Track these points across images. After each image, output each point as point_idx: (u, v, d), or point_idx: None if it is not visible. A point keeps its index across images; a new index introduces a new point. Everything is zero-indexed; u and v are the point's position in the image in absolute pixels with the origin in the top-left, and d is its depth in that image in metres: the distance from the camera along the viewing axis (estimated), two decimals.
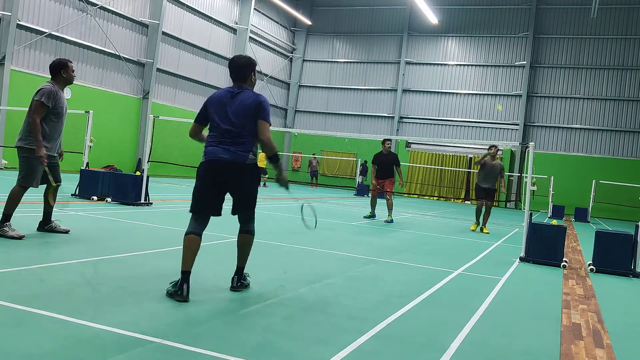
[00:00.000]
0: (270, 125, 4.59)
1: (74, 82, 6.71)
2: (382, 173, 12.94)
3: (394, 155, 13.14)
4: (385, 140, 13.03)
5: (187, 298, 4.19)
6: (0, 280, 4.31)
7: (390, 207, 12.88)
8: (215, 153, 4.45)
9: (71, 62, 6.63)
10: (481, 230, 12.34)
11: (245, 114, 4.47)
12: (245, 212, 4.70)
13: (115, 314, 3.70)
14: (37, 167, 6.28)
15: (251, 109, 4.48)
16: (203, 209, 4.50)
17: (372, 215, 13.32)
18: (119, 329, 3.36)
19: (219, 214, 4.56)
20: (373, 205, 13.39)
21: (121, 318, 3.60)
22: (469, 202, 28.06)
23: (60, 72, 6.43)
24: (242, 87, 4.58)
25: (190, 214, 4.52)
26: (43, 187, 6.63)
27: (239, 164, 4.44)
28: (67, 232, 6.73)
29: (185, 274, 4.27)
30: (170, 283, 4.37)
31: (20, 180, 6.26)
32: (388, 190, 12.89)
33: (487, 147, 12.68)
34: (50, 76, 6.50)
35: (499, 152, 12.27)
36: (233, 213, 4.68)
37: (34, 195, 6.72)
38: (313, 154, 31.97)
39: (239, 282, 4.72)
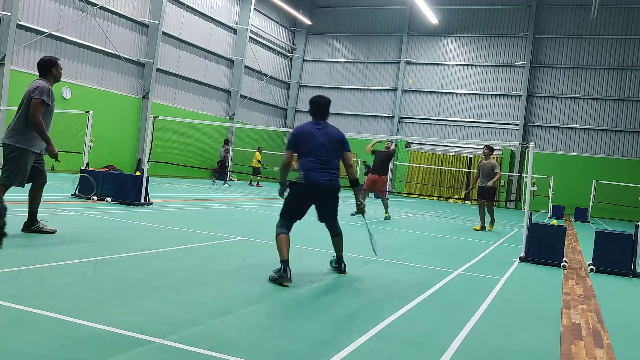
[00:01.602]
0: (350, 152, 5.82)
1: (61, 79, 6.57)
2: (376, 168, 13.56)
3: (390, 153, 13.76)
4: (387, 141, 14.00)
5: (291, 279, 5.10)
6: (0, 280, 4.31)
7: (385, 205, 13.45)
8: (315, 178, 5.51)
9: (59, 60, 6.51)
10: (480, 228, 12.77)
11: (335, 145, 5.62)
12: (330, 220, 5.85)
13: (115, 314, 3.70)
14: (24, 166, 6.14)
15: (339, 142, 5.67)
16: (293, 219, 5.62)
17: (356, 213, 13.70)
18: (119, 329, 3.36)
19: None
20: (385, 204, 13.74)
21: (121, 318, 3.60)
22: (468, 202, 28.04)
23: (51, 70, 6.31)
24: (326, 122, 5.72)
25: (279, 216, 5.57)
26: (28, 185, 6.45)
27: (334, 188, 5.64)
28: (54, 232, 6.52)
29: (285, 262, 5.18)
30: (273, 271, 5.22)
31: (4, 179, 6.08)
32: (382, 190, 13.54)
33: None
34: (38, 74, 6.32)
35: (487, 151, 12.79)
36: (321, 221, 5.88)
37: (23, 195, 6.69)
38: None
39: (345, 266, 5.97)
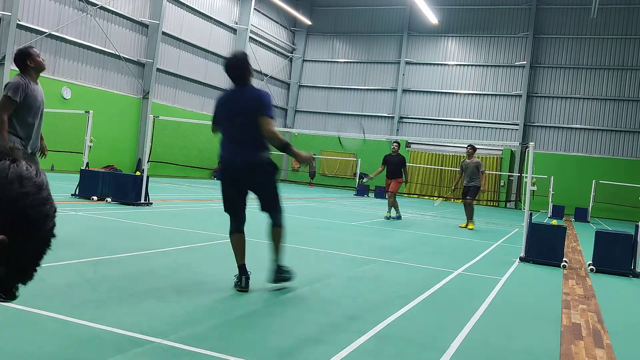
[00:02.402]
0: (272, 119, 4.58)
1: (45, 68, 6.02)
2: (390, 173, 13.71)
3: (402, 158, 13.87)
4: (393, 142, 14.06)
5: (247, 289, 4.52)
6: None
7: (390, 205, 13.56)
8: (226, 158, 4.65)
9: (33, 48, 5.93)
10: (465, 226, 12.93)
11: (248, 111, 4.53)
12: (270, 208, 4.79)
13: (115, 314, 3.70)
14: None
15: (254, 107, 4.54)
16: (230, 209, 4.77)
17: (398, 216, 13.61)
18: (119, 329, 3.36)
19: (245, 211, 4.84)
20: (390, 204, 13.64)
21: (121, 318, 3.60)
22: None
23: (26, 62, 5.77)
24: (243, 86, 4.65)
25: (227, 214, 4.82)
26: None
27: (249, 167, 4.59)
28: None
29: (242, 267, 4.59)
30: (234, 276, 4.63)
31: None
32: (391, 190, 13.56)
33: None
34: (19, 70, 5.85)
35: (470, 150, 13.08)
36: (261, 210, 4.83)
37: None
38: (313, 155, 31.90)
39: (278, 274, 4.77)
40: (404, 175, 13.57)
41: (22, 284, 1.04)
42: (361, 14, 34.06)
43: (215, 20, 28.08)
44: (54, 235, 1.02)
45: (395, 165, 13.65)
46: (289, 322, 3.95)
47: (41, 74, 6.07)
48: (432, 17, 29.18)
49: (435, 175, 31.39)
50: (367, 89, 33.77)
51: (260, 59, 31.89)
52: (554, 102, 29.84)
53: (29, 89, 5.70)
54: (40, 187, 0.97)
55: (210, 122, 4.92)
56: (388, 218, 13.43)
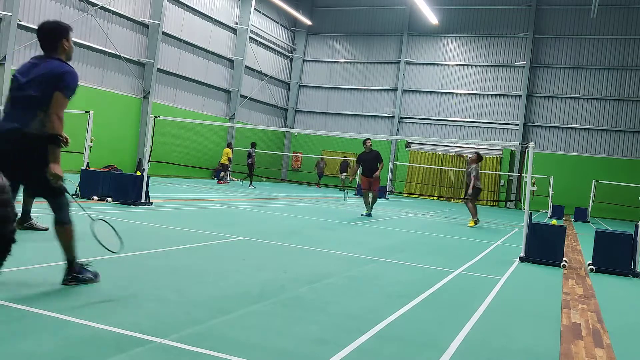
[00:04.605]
0: (66, 99, 4.07)
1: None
2: (368, 170, 13.68)
3: (376, 153, 13.87)
4: (365, 139, 13.88)
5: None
6: (0, 280, 4.31)
7: (367, 203, 13.76)
8: None
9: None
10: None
11: (42, 82, 4.01)
12: (43, 196, 4.12)
13: (116, 313, 3.70)
14: None
15: (50, 78, 4.02)
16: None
17: (369, 214, 13.79)
18: (119, 328, 3.37)
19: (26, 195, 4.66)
20: (367, 202, 13.91)
21: (121, 318, 3.60)
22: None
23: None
24: (47, 57, 4.19)
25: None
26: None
27: (18, 138, 3.97)
28: (46, 229, 6.70)
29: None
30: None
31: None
32: (375, 189, 13.73)
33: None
34: None
35: (474, 157, 13.61)
36: (28, 195, 4.22)
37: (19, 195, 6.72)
38: (321, 157, 32.02)
39: (70, 275, 4.38)
40: (379, 168, 13.66)
41: None
42: (361, 14, 34.07)
43: (215, 20, 28.09)
44: (14, 240, 1.01)
45: (370, 161, 13.68)
46: (289, 322, 3.95)
47: None
48: (432, 17, 29.19)
49: (435, 175, 31.39)
50: (367, 89, 33.78)
51: (260, 59, 31.91)
52: (554, 102, 29.84)
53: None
54: (2, 189, 0.96)
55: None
56: (369, 215, 13.58)
